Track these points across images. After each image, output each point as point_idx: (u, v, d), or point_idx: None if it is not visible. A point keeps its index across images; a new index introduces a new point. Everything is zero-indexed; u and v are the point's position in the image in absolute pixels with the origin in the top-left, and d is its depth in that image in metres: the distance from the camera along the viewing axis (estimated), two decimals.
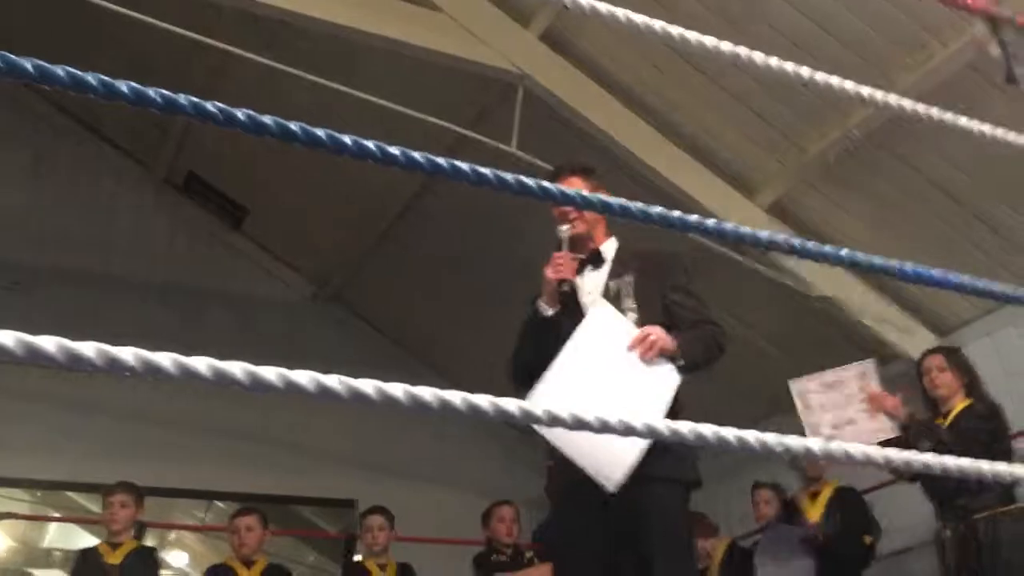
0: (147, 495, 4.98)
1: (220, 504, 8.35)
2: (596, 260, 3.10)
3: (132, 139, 7.20)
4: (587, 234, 3.10)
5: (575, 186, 2.97)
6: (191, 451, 6.40)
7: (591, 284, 3.06)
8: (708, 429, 1.11)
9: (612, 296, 2.99)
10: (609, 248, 3.14)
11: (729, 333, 3.14)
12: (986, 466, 1.28)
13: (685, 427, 1.13)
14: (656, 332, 2.80)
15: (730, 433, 1.12)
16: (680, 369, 2.82)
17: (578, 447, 2.68)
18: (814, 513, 4.82)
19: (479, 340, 7.08)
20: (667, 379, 2.80)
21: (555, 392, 2.67)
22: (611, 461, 2.66)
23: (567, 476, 2.90)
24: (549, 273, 2.97)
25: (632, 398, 2.72)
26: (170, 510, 8.56)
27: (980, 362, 4.25)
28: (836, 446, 1.16)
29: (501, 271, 6.47)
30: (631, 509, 2.75)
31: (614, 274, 3.07)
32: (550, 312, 2.96)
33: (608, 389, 2.72)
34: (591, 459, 2.68)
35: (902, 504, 4.86)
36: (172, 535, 11.01)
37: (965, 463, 1.25)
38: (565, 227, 3.04)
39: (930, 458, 1.22)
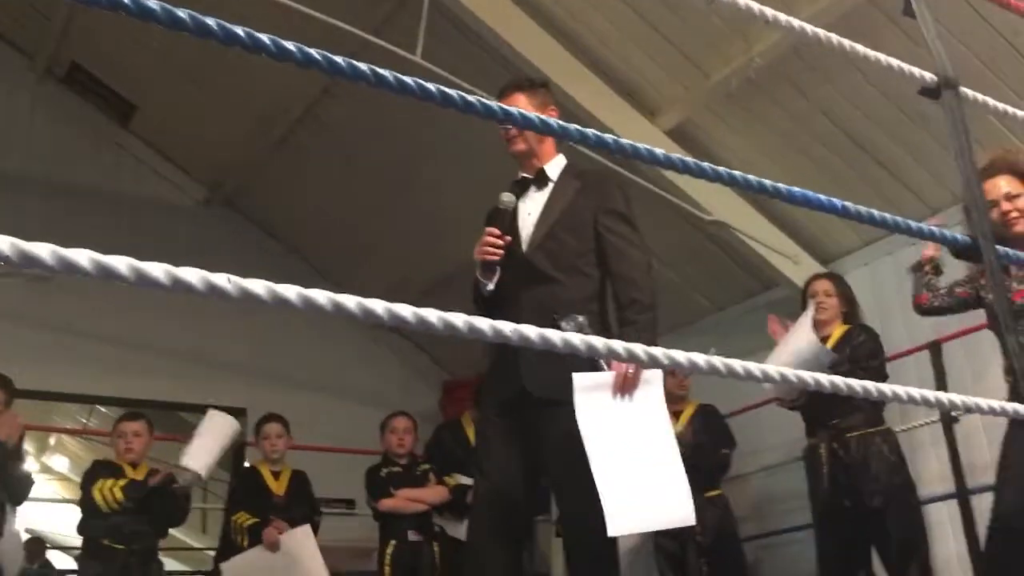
0: (26, 398, 4.80)
1: (103, 409, 8.17)
2: (541, 179, 3.06)
3: (11, 25, 6.76)
4: (529, 152, 3.05)
5: (518, 104, 2.93)
6: (73, 354, 6.21)
7: (532, 204, 3.03)
8: (619, 345, 1.13)
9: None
10: (555, 167, 3.09)
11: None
12: (886, 388, 1.35)
13: (599, 342, 1.15)
14: (623, 369, 2.68)
15: (640, 349, 1.15)
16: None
17: (646, 514, 2.67)
18: (676, 429, 5.02)
19: (376, 250, 7.03)
20: (654, 383, 2.74)
21: (625, 491, 2.61)
22: (673, 503, 2.66)
23: (492, 393, 3.00)
24: (477, 254, 2.89)
25: (649, 429, 2.70)
26: (50, 414, 8.34)
27: (857, 290, 4.46)
28: (720, 361, 1.20)
29: (399, 180, 6.40)
30: (542, 433, 2.85)
31: (555, 194, 3.03)
32: (491, 287, 2.91)
33: (634, 439, 2.68)
34: (658, 513, 2.68)
35: (771, 425, 5.12)
36: (52, 439, 10.75)
37: (870, 385, 1.31)
38: (508, 196, 2.96)
39: (831, 379, 1.28)
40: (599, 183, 3.08)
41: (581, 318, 2.81)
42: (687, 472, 4.50)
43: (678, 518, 2.71)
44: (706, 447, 4.88)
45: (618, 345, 1.18)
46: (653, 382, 2.72)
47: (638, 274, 2.94)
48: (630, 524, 2.66)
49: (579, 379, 2.69)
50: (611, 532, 2.57)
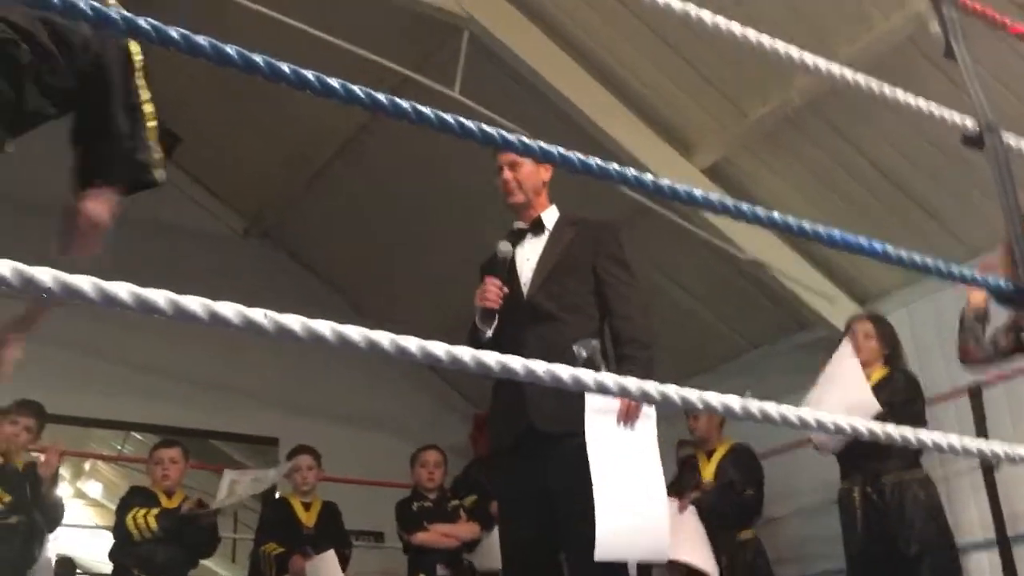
0: (63, 423, 4.85)
1: (138, 436, 8.23)
2: (537, 228, 3.18)
3: None
4: (526, 203, 3.17)
5: (513, 158, 3.07)
6: (109, 380, 6.26)
7: (531, 251, 3.14)
8: (652, 386, 1.12)
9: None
10: (550, 216, 3.21)
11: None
12: (925, 435, 1.32)
13: (632, 383, 1.14)
14: (625, 403, 2.79)
15: (673, 391, 1.14)
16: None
17: (626, 546, 2.74)
18: (708, 471, 4.94)
19: (410, 285, 7.05)
20: (648, 419, 2.84)
21: (617, 518, 2.69)
22: (652, 537, 2.75)
23: (498, 439, 3.09)
24: (477, 300, 2.98)
25: (640, 462, 2.79)
26: (85, 440, 8.42)
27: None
28: (756, 404, 1.18)
29: (436, 216, 6.43)
30: (552, 468, 2.88)
31: (552, 241, 3.14)
32: (489, 334, 2.98)
33: (636, 471, 2.78)
34: (639, 545, 2.76)
35: (807, 467, 5.03)
36: (87, 465, 10.83)
37: (909, 433, 1.29)
38: (505, 246, 3.08)
39: (870, 426, 1.26)
40: (596, 231, 3.20)
41: (595, 342, 2.89)
42: (711, 515, 4.51)
43: (654, 552, 2.82)
44: (736, 486, 4.81)
45: (651, 386, 1.17)
46: (649, 416, 2.83)
47: (637, 314, 3.05)
48: (615, 552, 2.73)
49: (591, 400, 2.78)
50: (597, 556, 2.67)
